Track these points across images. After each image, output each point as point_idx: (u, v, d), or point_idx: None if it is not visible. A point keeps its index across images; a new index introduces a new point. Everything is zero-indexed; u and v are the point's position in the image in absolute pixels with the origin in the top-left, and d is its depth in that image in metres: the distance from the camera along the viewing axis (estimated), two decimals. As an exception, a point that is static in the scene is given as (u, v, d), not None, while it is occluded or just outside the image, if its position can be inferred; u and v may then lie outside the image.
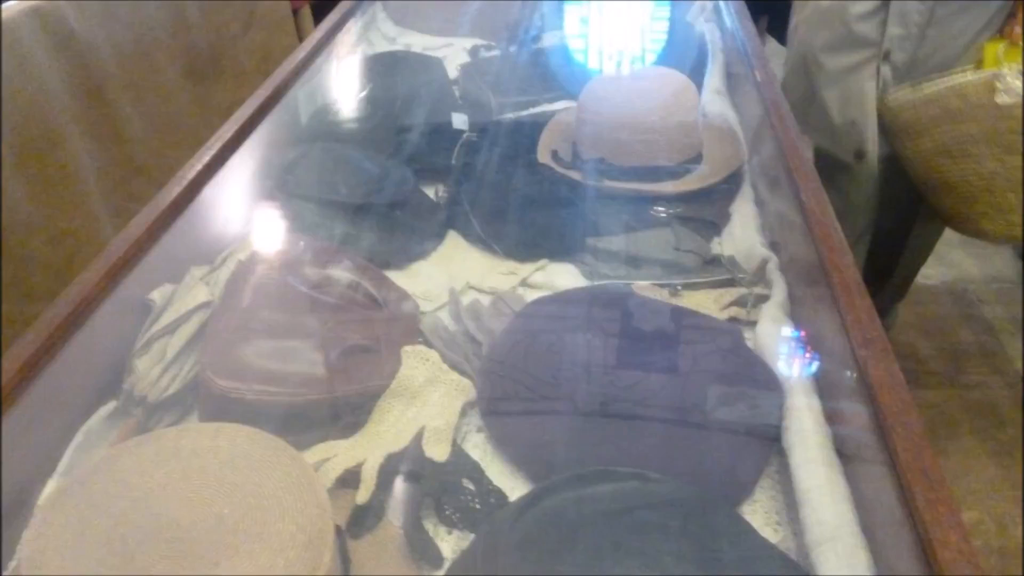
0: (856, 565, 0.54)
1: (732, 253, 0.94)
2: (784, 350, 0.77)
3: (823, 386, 0.70)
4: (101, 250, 0.76)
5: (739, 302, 0.87)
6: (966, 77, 1.22)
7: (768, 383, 0.73)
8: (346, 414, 0.72)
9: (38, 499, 0.62)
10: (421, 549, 0.61)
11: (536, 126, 1.22)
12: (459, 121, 1.24)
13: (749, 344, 0.80)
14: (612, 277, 0.92)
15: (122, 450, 0.55)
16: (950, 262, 2.18)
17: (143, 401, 0.71)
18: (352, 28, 1.54)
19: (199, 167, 0.90)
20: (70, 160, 1.29)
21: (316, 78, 1.31)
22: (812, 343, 0.76)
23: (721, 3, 1.52)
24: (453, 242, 1.03)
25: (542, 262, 0.96)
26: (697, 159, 1.09)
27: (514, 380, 0.74)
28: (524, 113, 1.32)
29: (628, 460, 0.63)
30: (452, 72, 1.47)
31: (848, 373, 0.64)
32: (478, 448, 0.71)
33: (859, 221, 1.50)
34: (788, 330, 0.80)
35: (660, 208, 1.02)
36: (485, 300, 0.89)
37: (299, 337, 0.77)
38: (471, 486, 0.66)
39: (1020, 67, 1.18)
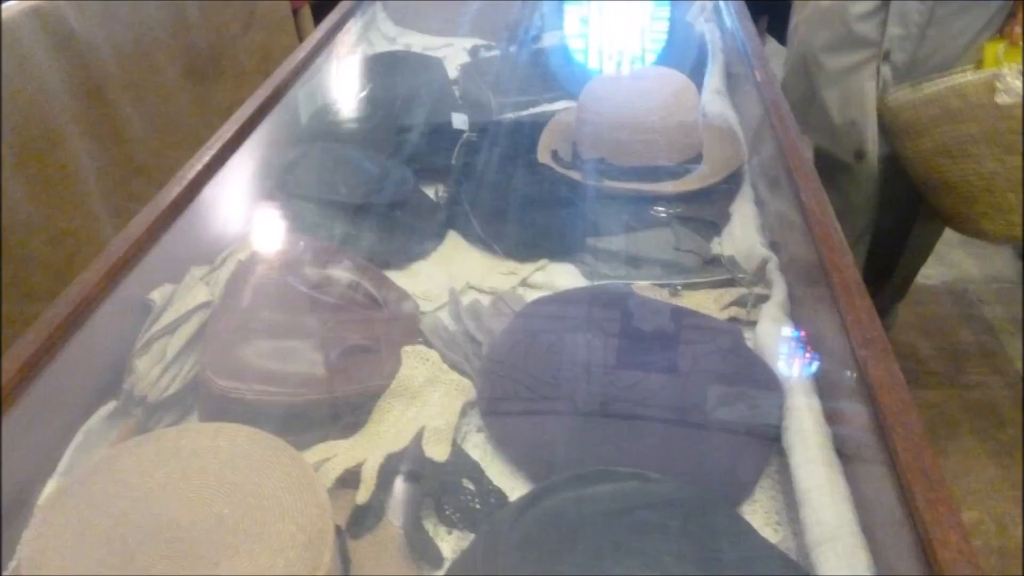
0: (856, 565, 0.54)
1: (732, 253, 0.94)
2: (784, 350, 0.77)
3: (823, 386, 0.70)
4: (101, 250, 0.76)
5: (739, 302, 0.87)
6: (966, 77, 1.22)
7: (768, 383, 0.73)
8: (346, 414, 0.72)
9: (38, 499, 0.62)
10: (421, 549, 0.61)
11: (536, 126, 1.21)
12: (459, 121, 1.24)
13: (749, 344, 0.80)
14: (612, 277, 0.92)
15: (122, 450, 0.55)
16: (950, 262, 2.18)
17: (143, 401, 0.71)
18: (352, 28, 1.54)
19: (199, 167, 0.90)
20: (70, 160, 1.29)
21: (316, 78, 1.31)
22: (812, 343, 0.76)
23: (721, 3, 1.52)
24: (453, 242, 1.03)
25: (542, 262, 0.96)
26: (697, 159, 1.09)
27: (514, 380, 0.74)
28: (524, 113, 1.32)
29: (628, 460, 0.63)
30: (452, 72, 1.47)
31: (848, 373, 0.64)
32: (478, 448, 0.71)
33: (859, 221, 1.50)
34: (788, 330, 0.80)
35: (660, 208, 1.02)
36: (485, 300, 0.89)
37: (299, 337, 0.77)
38: (471, 486, 0.66)
39: (1020, 67, 1.18)
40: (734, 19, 1.39)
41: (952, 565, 0.46)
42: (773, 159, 0.98)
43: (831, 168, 1.46)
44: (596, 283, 0.92)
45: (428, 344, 0.80)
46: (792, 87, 1.51)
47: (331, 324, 0.79)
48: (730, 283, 0.90)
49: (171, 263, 0.84)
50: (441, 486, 0.66)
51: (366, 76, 1.43)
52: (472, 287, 0.93)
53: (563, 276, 0.94)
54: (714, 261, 0.94)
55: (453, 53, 1.57)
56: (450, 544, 0.62)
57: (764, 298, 0.85)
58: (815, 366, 0.73)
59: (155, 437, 0.57)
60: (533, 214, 1.03)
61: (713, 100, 1.23)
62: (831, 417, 0.67)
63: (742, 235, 0.96)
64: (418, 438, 0.69)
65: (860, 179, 1.44)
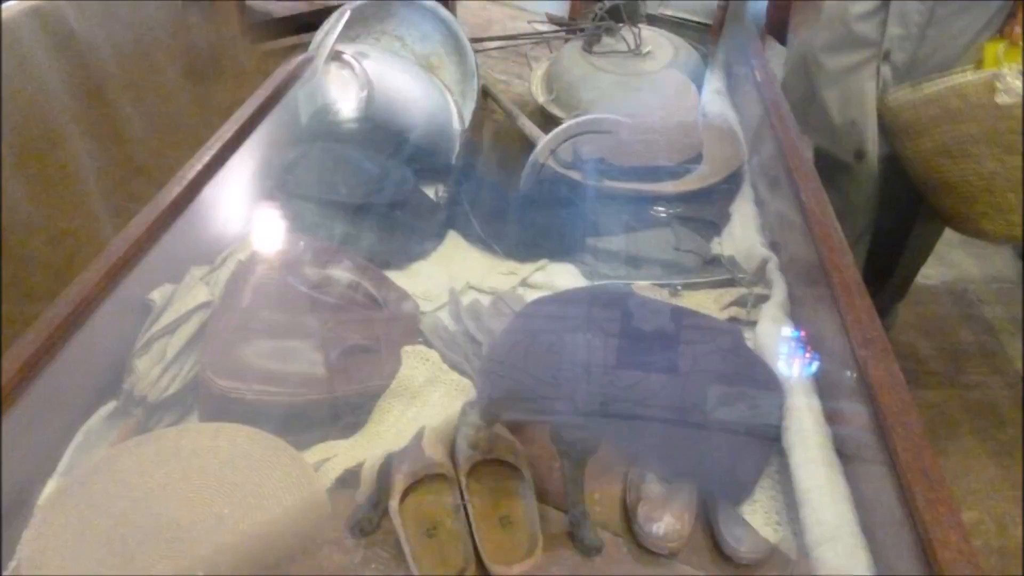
0: (856, 565, 0.54)
1: (732, 253, 0.94)
2: (784, 350, 0.77)
3: (823, 386, 0.70)
4: (101, 250, 0.76)
5: (739, 302, 0.87)
6: (966, 77, 1.21)
7: (768, 383, 0.73)
8: (346, 414, 0.72)
9: (38, 499, 0.62)
10: (421, 549, 0.61)
11: (536, 126, 1.22)
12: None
13: (749, 344, 0.80)
14: (612, 277, 0.92)
15: (122, 450, 0.55)
16: (950, 262, 2.18)
17: (143, 401, 0.71)
18: (352, 28, 1.54)
19: (199, 167, 0.90)
20: (70, 160, 1.29)
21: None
22: (812, 343, 0.76)
23: (721, 3, 1.52)
24: (453, 242, 1.03)
25: (542, 262, 0.96)
26: (697, 159, 1.09)
27: (514, 380, 0.74)
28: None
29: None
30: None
31: (848, 373, 0.64)
32: (478, 448, 0.71)
33: (859, 221, 1.50)
34: (788, 330, 0.80)
35: (660, 208, 1.02)
36: (485, 300, 0.89)
37: (299, 337, 0.77)
38: (471, 486, 0.66)
39: (1020, 67, 1.18)
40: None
41: (952, 565, 0.46)
42: (773, 159, 0.98)
43: (831, 168, 1.45)
44: (596, 283, 0.92)
45: (428, 344, 0.80)
46: (792, 87, 1.51)
47: (331, 324, 0.79)
48: (730, 283, 0.90)
49: (171, 263, 0.84)
50: (441, 486, 0.66)
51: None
52: (472, 287, 0.93)
53: (563, 276, 0.94)
54: (714, 261, 0.94)
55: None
56: (450, 544, 0.62)
57: (764, 298, 0.85)
58: (815, 366, 0.73)
59: (155, 437, 0.57)
60: (533, 214, 1.03)
61: (713, 100, 1.23)
62: (831, 417, 0.66)
63: (742, 235, 0.96)
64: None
65: (860, 179, 1.44)
